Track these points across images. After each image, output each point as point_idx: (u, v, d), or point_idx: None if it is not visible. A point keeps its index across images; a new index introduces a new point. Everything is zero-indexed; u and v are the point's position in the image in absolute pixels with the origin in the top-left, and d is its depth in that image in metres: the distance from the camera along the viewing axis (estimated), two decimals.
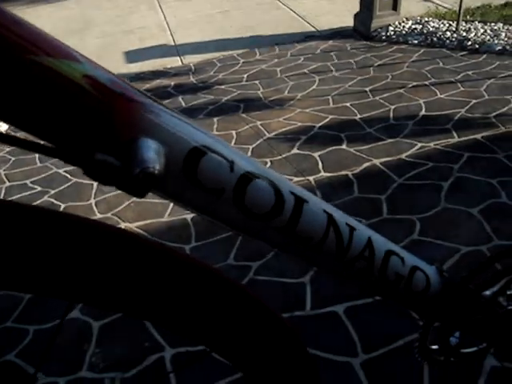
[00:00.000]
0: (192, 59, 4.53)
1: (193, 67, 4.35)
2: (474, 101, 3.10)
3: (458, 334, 0.81)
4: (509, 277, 0.76)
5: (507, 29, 4.17)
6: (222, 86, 3.83)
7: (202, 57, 4.56)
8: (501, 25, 4.27)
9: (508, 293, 0.79)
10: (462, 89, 3.28)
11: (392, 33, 4.32)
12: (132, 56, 4.82)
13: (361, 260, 0.55)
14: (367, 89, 3.39)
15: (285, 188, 0.46)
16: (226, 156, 0.41)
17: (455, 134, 2.75)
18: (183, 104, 3.65)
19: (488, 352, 0.85)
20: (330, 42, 4.36)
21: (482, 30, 4.18)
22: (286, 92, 3.52)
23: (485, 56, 3.79)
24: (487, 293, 0.78)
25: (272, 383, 0.54)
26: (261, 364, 0.53)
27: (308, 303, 1.86)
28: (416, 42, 4.14)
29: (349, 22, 4.67)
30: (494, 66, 3.61)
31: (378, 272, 0.57)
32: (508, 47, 3.84)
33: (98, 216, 2.54)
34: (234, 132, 3.10)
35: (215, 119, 3.32)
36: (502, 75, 3.44)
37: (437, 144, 2.68)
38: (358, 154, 2.67)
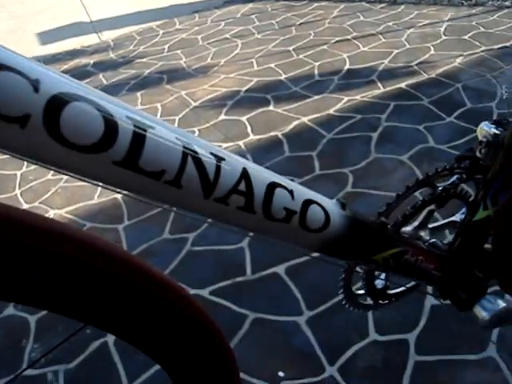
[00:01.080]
0: (110, 35, 4.33)
1: (112, 43, 4.16)
2: (396, 51, 3.11)
3: (384, 276, 0.78)
4: (428, 209, 0.73)
5: None
6: (144, 60, 3.68)
7: (121, 31, 4.36)
8: None
9: (429, 226, 0.77)
10: (383, 40, 3.29)
11: None
12: (46, 37, 4.55)
13: (235, 195, 0.46)
14: (290, 48, 3.34)
15: (118, 112, 0.37)
16: (27, 75, 0.32)
17: (380, 85, 2.75)
18: (104, 81, 3.48)
19: (417, 289, 0.83)
20: (250, 5, 4.27)
21: None
22: (209, 59, 3.42)
23: (403, 7, 3.81)
24: (408, 228, 0.75)
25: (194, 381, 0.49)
26: (183, 362, 0.48)
27: (248, 268, 1.82)
28: None
29: None
30: (412, 15, 3.64)
31: (262, 209, 0.48)
32: None
33: (25, 206, 2.39)
34: (159, 104, 2.99)
35: (139, 93, 3.19)
36: (421, 24, 3.47)
37: (363, 96, 2.67)
38: (285, 113, 2.63)
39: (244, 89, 2.94)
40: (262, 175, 0.50)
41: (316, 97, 2.73)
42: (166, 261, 1.89)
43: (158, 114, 2.87)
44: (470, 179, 0.69)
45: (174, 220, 2.09)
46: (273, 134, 2.49)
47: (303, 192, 0.54)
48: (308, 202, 0.53)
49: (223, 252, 1.89)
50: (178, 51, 3.66)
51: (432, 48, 3.12)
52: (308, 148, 2.34)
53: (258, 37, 3.62)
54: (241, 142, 2.47)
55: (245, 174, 0.47)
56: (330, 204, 0.58)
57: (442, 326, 1.49)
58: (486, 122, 0.69)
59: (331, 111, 2.58)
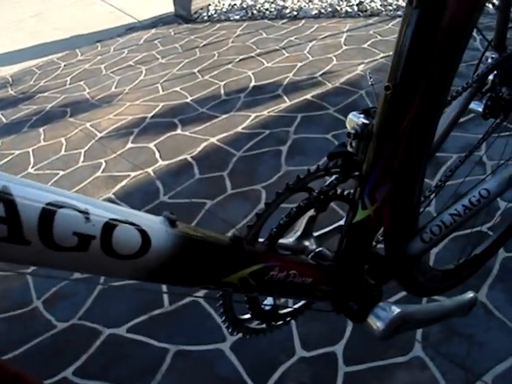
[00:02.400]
0: (8, 71, 4.12)
1: (10, 79, 3.96)
2: (300, 64, 3.14)
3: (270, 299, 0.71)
4: (308, 216, 0.68)
5: None
6: (45, 94, 3.52)
7: (19, 66, 4.16)
8: None
9: (315, 234, 0.72)
10: (287, 54, 3.32)
11: (213, 12, 4.27)
12: None
13: None
14: (195, 70, 3.30)
15: None
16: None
17: (286, 99, 2.76)
18: (4, 120, 3.29)
19: (310, 307, 0.77)
20: (153, 31, 4.20)
21: None
22: (114, 88, 3.31)
23: (304, 21, 3.88)
24: (289, 240, 0.69)
25: None
26: None
27: (166, 300, 1.73)
28: (238, 17, 4.13)
29: (169, 8, 4.54)
30: (313, 29, 3.70)
31: (39, 238, 0.39)
32: (323, 10, 3.97)
33: None
34: (63, 139, 2.85)
35: (41, 129, 3.03)
36: (322, 36, 3.54)
37: (270, 111, 2.66)
38: (193, 135, 2.57)
39: (150, 115, 2.85)
40: (32, 195, 0.39)
41: (223, 116, 2.69)
42: (78, 303, 1.77)
43: (63, 149, 2.73)
44: (347, 177, 0.65)
45: None
46: (182, 157, 2.42)
47: (107, 211, 0.44)
48: (113, 223, 0.43)
49: (138, 285, 1.79)
50: (81, 82, 3.53)
51: (334, 58, 3.17)
52: (218, 168, 2.28)
53: (162, 61, 3.55)
54: (149, 170, 2.38)
55: (2, 196, 0.37)
56: (151, 222, 0.48)
57: (368, 333, 1.46)
58: (354, 112, 0.64)
59: (239, 129, 2.55)
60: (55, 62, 4.04)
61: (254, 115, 2.65)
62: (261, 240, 0.63)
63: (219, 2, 4.40)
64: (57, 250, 0.40)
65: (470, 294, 0.80)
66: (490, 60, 0.86)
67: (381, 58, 3.10)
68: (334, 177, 0.65)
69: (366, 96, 2.70)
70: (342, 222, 0.75)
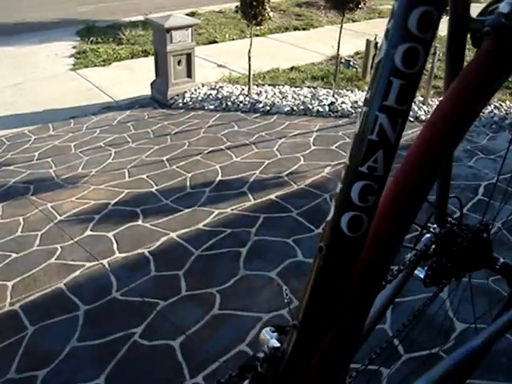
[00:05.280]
0: None
1: None
2: (268, 161, 3.20)
3: None
4: None
5: (293, 91, 4.47)
6: (11, 167, 3.47)
7: None
8: (288, 87, 4.57)
9: None
10: (256, 150, 3.38)
11: (189, 99, 4.37)
12: None
13: None
14: (164, 158, 3.32)
15: None
16: None
17: (251, 197, 2.78)
18: None
19: None
20: (128, 112, 4.26)
21: (271, 93, 4.42)
22: (80, 168, 3.29)
23: (276, 117, 3.99)
24: None
25: None
26: None
27: None
28: (212, 107, 4.23)
29: (147, 90, 4.64)
30: (284, 125, 3.81)
31: None
32: (295, 107, 4.10)
33: None
34: (21, 218, 2.78)
35: (0, 205, 2.96)
36: (292, 134, 3.63)
37: (233, 209, 2.66)
38: (154, 228, 2.54)
39: (113, 201, 2.83)
40: None
41: (186, 210, 2.68)
42: None
43: (19, 229, 2.66)
44: None
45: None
46: (140, 251, 2.37)
47: None
48: None
49: None
50: (49, 159, 3.51)
51: (302, 158, 3.24)
52: (175, 266, 2.24)
53: (132, 145, 3.57)
54: (105, 261, 2.32)
55: None
56: None
57: None
58: (268, 329, 0.62)
59: (201, 225, 2.53)
60: (26, 135, 4.02)
61: (217, 211, 2.64)
62: None
63: (195, 91, 4.51)
64: None
65: None
66: (429, 234, 0.87)
67: None
68: None
69: (330, 200, 2.73)
70: None
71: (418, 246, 0.86)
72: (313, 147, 3.42)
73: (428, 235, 0.88)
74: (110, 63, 5.72)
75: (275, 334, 0.60)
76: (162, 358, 1.80)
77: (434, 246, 0.86)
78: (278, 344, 0.58)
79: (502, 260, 0.89)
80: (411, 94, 0.44)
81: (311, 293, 0.51)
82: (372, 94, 0.44)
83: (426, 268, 0.85)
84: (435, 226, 0.91)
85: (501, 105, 4.15)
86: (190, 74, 4.56)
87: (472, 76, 0.52)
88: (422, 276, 0.85)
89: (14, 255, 2.44)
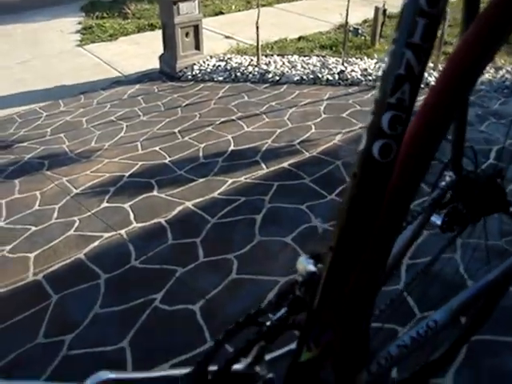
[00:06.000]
0: None
1: None
2: (279, 130, 3.21)
3: None
4: (259, 343, 0.68)
5: (302, 60, 4.45)
6: (24, 144, 3.51)
7: (1, 113, 4.16)
8: (296, 57, 4.55)
9: (266, 358, 0.72)
10: (267, 120, 3.38)
11: (197, 72, 4.36)
12: None
13: None
14: (176, 130, 3.34)
15: None
16: None
17: (264, 166, 2.80)
18: None
19: None
20: (137, 86, 4.27)
21: (280, 63, 4.40)
22: (93, 143, 3.32)
23: (285, 86, 3.98)
24: (240, 366, 0.69)
25: None
26: None
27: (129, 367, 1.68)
28: (221, 78, 4.22)
29: (155, 64, 4.63)
30: (294, 95, 3.80)
31: None
32: (304, 77, 4.09)
33: None
34: (37, 192, 2.82)
35: (16, 181, 3.00)
36: (302, 103, 3.63)
37: (247, 177, 2.69)
38: (169, 198, 2.58)
39: (127, 174, 2.86)
40: None
41: (201, 180, 2.71)
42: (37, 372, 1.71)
43: (37, 203, 2.71)
44: (294, 315, 0.66)
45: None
46: (156, 220, 2.41)
47: None
48: None
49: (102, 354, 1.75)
50: (62, 135, 3.54)
51: (313, 126, 3.25)
52: (192, 234, 2.28)
53: (143, 119, 3.59)
54: (123, 231, 2.37)
55: None
56: None
57: None
58: (305, 256, 0.66)
59: (215, 194, 2.56)
60: (37, 112, 4.05)
61: (231, 181, 2.67)
62: (213, 368, 0.63)
63: (204, 63, 4.50)
64: None
65: None
66: (447, 179, 0.90)
67: (358, 128, 3.19)
68: (281, 312, 0.66)
69: (342, 167, 2.75)
70: (293, 346, 0.75)
71: (435, 193, 0.89)
72: (323, 115, 3.42)
73: (444, 182, 0.91)
74: (116, 38, 5.71)
75: (311, 260, 0.64)
76: (182, 322, 1.85)
77: (450, 194, 0.89)
78: (314, 269, 0.62)
79: None
80: (434, 32, 0.48)
81: (345, 217, 0.55)
82: (399, 34, 0.48)
83: (442, 215, 0.88)
84: (451, 173, 0.93)
85: None
86: (198, 46, 4.54)
87: (486, 21, 0.54)
88: (439, 223, 0.88)
89: (33, 228, 2.49)
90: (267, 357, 0.72)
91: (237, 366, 0.68)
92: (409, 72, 0.50)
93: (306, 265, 0.64)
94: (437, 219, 0.90)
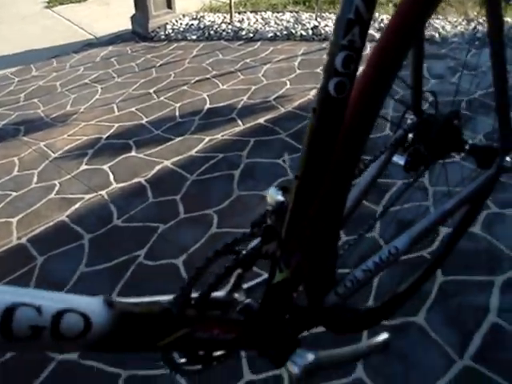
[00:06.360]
0: None
1: None
2: (254, 87, 3.22)
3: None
4: (236, 273, 0.74)
5: (275, 16, 4.42)
6: None
7: None
8: (270, 13, 4.52)
9: (244, 287, 0.78)
10: (242, 77, 3.39)
11: (170, 31, 4.32)
12: None
13: None
14: (151, 90, 3.34)
15: None
16: None
17: (240, 122, 2.83)
18: None
19: (239, 350, 0.84)
20: (110, 48, 4.22)
21: (253, 20, 4.37)
22: (69, 106, 3.31)
23: (259, 43, 3.97)
24: (220, 293, 0.75)
25: None
26: None
27: None
28: (195, 37, 4.19)
29: (127, 25, 4.56)
30: (268, 51, 3.80)
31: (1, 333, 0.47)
32: (278, 33, 4.08)
33: None
34: (15, 158, 2.83)
35: None
36: (277, 59, 3.64)
37: (224, 134, 2.72)
38: (148, 158, 2.61)
39: (105, 136, 2.87)
40: None
41: (178, 139, 2.73)
42: None
43: (15, 170, 2.72)
44: (267, 243, 0.72)
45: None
46: (136, 180, 2.45)
47: (55, 303, 0.52)
48: (60, 314, 0.51)
49: None
50: (36, 100, 3.51)
51: (288, 82, 3.27)
52: (172, 192, 2.32)
53: (118, 80, 3.57)
54: (103, 192, 2.40)
55: None
56: (92, 306, 0.56)
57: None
58: (274, 188, 0.72)
59: (193, 152, 2.60)
60: (8, 77, 3.99)
61: (208, 138, 2.70)
62: (194, 295, 0.69)
63: (177, 22, 4.45)
64: (15, 341, 0.48)
65: (384, 336, 0.88)
66: (408, 122, 0.97)
67: None
68: (256, 241, 0.72)
69: None
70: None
71: (397, 134, 0.95)
72: (298, 71, 3.43)
73: (406, 125, 0.97)
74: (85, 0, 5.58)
75: (280, 191, 0.70)
76: (166, 276, 1.91)
77: (412, 136, 0.95)
78: (282, 198, 0.68)
79: (470, 142, 1.00)
80: None
81: (308, 148, 0.61)
82: None
83: (405, 156, 0.95)
84: (413, 117, 1.00)
85: (484, 21, 4.14)
86: (169, 5, 4.48)
87: None
88: (402, 163, 0.95)
89: (13, 194, 2.50)
90: (246, 286, 0.79)
91: (217, 294, 0.75)
92: (358, 16, 0.56)
93: (275, 195, 0.71)
94: (400, 160, 0.97)
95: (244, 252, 0.71)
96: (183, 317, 0.65)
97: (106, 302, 0.57)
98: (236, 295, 0.76)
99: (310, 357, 0.74)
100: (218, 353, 0.79)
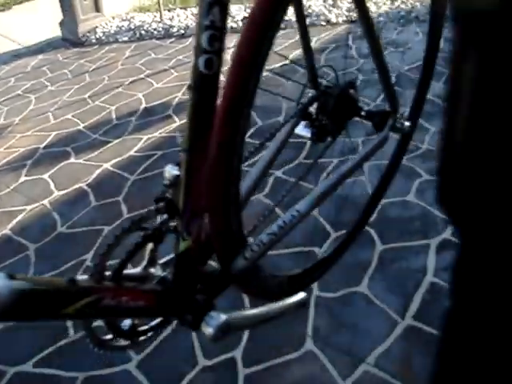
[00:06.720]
0: None
1: None
2: (188, 83, 3.26)
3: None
4: (148, 248, 0.80)
5: None
6: None
7: None
8: None
9: (160, 262, 0.84)
10: (175, 74, 3.42)
11: (101, 34, 4.29)
12: None
13: None
14: (86, 96, 3.33)
15: None
16: None
17: (176, 118, 2.87)
18: None
19: (168, 323, 0.89)
20: (41, 56, 4.16)
21: (184, 16, 4.39)
22: (2, 119, 3.26)
23: (191, 39, 4.00)
24: (136, 270, 0.81)
25: None
26: None
27: (71, 330, 1.76)
28: (126, 38, 4.18)
29: (56, 31, 4.50)
30: None
31: None
32: None
33: None
34: None
35: None
36: None
37: (161, 132, 2.76)
38: (87, 163, 2.61)
39: (42, 145, 2.86)
40: None
41: (116, 141, 2.75)
42: None
43: None
44: (172, 216, 0.78)
45: None
46: (77, 186, 2.45)
47: None
48: None
49: None
50: None
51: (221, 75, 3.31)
52: (114, 194, 2.34)
53: (51, 89, 3.54)
54: (46, 201, 2.40)
55: None
56: None
57: (263, 336, 1.58)
58: (171, 165, 0.78)
59: (132, 152, 2.62)
60: None
61: (145, 137, 2.73)
62: (108, 273, 0.73)
63: (106, 24, 4.42)
64: None
65: (301, 295, 0.95)
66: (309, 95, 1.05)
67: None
68: (164, 215, 0.78)
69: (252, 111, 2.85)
70: None
71: (298, 108, 1.03)
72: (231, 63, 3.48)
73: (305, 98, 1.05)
74: (9, 7, 5.46)
75: (176, 167, 0.76)
76: None
77: (314, 109, 1.03)
78: (178, 172, 0.75)
79: (366, 108, 1.10)
80: None
81: (189, 122, 0.67)
82: None
83: (310, 128, 1.03)
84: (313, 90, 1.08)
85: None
86: (97, 8, 4.45)
87: None
88: (308, 135, 1.03)
89: None
90: (161, 261, 0.84)
91: (133, 270, 0.80)
92: None
93: (170, 171, 0.77)
94: (307, 133, 1.06)
95: (151, 227, 0.77)
96: (87, 287, 0.69)
97: (7, 275, 0.61)
98: (152, 270, 0.82)
99: (223, 317, 0.81)
100: (143, 328, 0.84)
